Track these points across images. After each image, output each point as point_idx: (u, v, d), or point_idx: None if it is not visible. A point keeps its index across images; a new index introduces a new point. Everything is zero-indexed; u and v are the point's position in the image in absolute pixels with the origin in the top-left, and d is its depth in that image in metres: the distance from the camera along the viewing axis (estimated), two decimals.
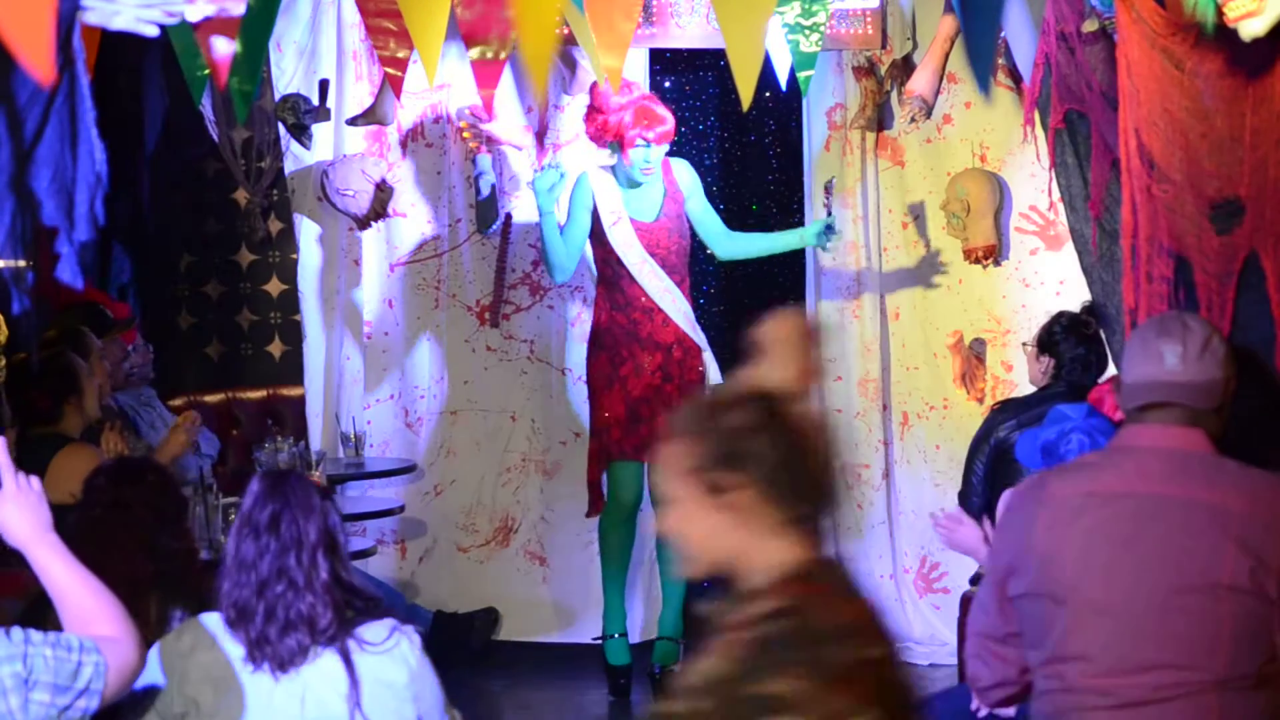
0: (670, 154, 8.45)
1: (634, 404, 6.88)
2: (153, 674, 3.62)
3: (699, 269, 8.46)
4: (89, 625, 3.06)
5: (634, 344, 6.92)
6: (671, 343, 6.93)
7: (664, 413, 6.64)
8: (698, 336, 7.01)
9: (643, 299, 6.93)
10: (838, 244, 7.24)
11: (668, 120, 6.97)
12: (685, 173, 7.16)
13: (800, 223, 8.17)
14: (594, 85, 7.07)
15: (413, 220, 7.80)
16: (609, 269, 7.03)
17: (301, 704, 3.67)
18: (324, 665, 3.68)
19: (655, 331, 6.92)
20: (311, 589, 3.67)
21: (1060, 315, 6.11)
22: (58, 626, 3.09)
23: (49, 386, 5.83)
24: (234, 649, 3.67)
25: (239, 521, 3.72)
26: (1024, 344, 6.66)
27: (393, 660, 3.73)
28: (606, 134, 7.00)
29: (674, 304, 6.94)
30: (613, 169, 7.07)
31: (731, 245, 7.22)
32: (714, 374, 7.02)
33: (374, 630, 3.74)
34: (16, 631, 2.98)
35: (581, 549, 7.66)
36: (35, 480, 3.12)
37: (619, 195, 7.00)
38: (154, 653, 3.62)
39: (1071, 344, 5.95)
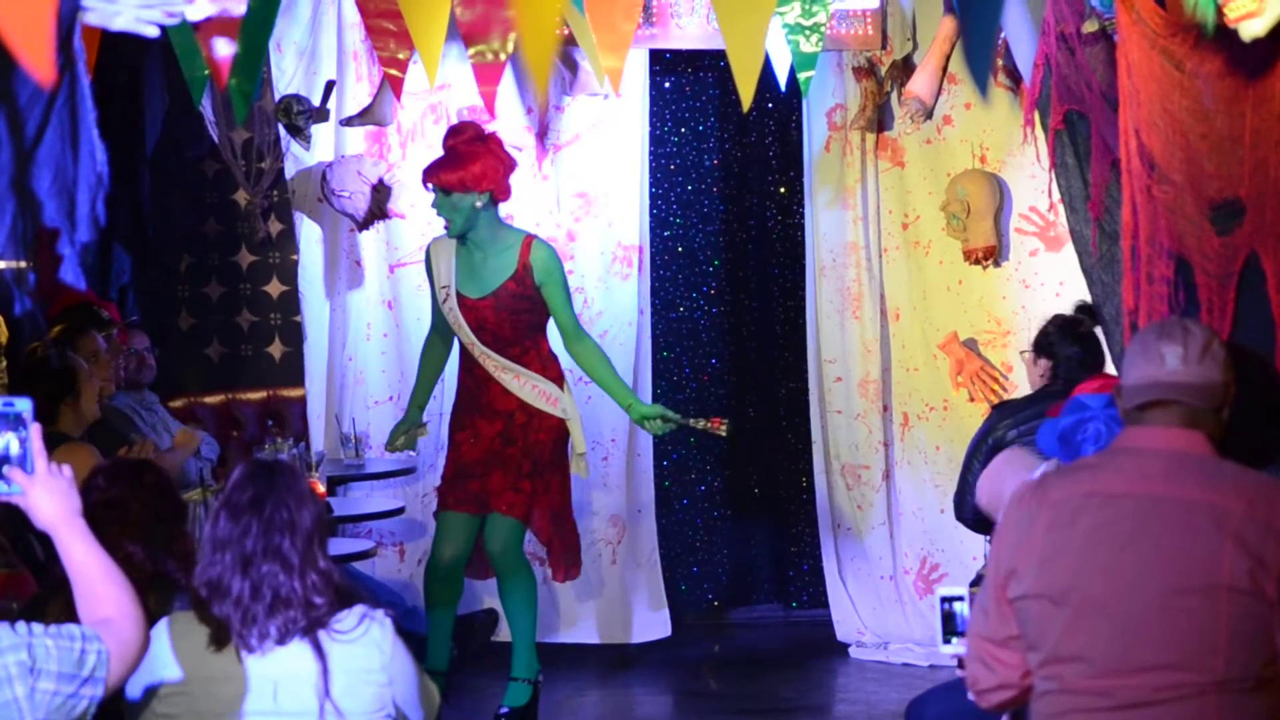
0: (669, 160, 8.45)
1: (466, 465, 6.50)
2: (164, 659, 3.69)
3: (699, 269, 8.46)
4: (97, 607, 3.14)
5: (474, 411, 6.52)
6: (514, 409, 6.48)
7: (501, 470, 6.41)
8: (552, 408, 6.50)
9: (480, 370, 6.52)
10: (657, 429, 6.55)
11: (446, 165, 6.38)
12: (543, 258, 6.46)
13: (799, 222, 8.18)
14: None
15: (413, 221, 7.80)
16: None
17: (274, 697, 3.68)
18: (295, 656, 3.69)
19: (495, 400, 6.49)
20: (310, 572, 3.69)
21: (1054, 318, 6.10)
22: (56, 621, 3.14)
23: (44, 387, 5.83)
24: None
25: (218, 504, 3.75)
26: (1021, 352, 6.64)
27: (364, 647, 3.74)
28: None
29: (515, 380, 6.47)
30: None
31: (574, 351, 6.58)
32: (578, 442, 6.55)
33: (345, 618, 3.74)
34: (20, 624, 3.04)
35: (582, 549, 7.65)
36: (67, 468, 3.19)
37: (452, 267, 6.52)
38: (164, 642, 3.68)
39: (1066, 344, 5.94)
